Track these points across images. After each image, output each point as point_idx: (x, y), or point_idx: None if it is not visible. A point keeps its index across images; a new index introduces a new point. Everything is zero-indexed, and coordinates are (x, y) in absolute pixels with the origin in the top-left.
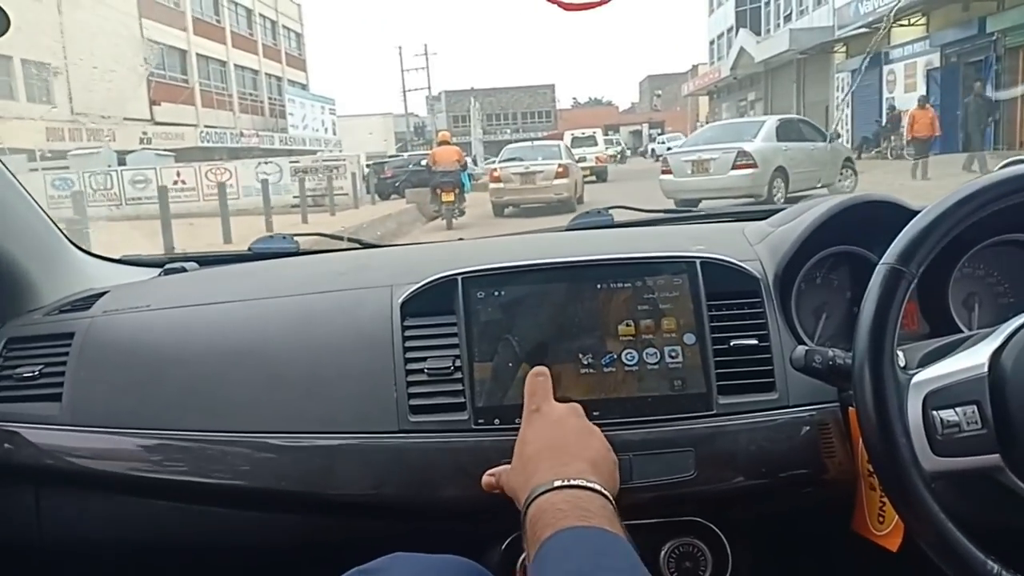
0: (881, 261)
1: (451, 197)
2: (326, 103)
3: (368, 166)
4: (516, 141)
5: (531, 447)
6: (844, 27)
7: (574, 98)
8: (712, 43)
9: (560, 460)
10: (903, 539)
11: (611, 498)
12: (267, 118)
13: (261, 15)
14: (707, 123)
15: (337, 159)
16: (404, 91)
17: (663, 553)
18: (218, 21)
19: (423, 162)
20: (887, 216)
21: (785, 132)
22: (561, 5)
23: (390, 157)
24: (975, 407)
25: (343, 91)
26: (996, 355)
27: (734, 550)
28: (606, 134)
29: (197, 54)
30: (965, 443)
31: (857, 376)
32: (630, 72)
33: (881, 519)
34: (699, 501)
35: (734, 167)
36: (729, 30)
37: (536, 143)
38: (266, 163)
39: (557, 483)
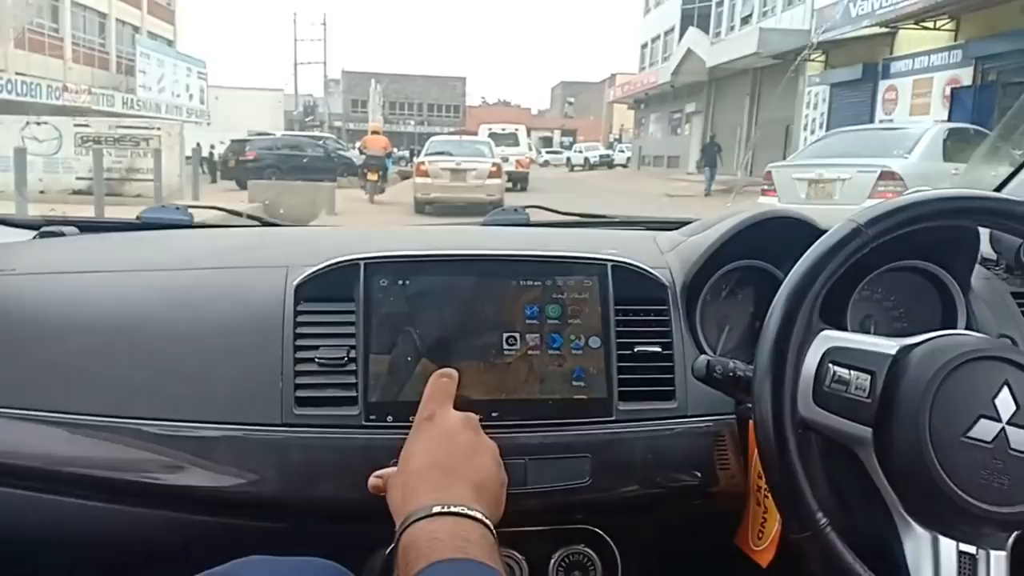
0: (848, 218)
1: (375, 177)
2: (194, 64)
3: (230, 143)
4: (421, 134)
5: (415, 462)
6: (827, 31)
7: (483, 97)
8: (645, 47)
9: (442, 482)
10: (774, 557)
11: (492, 527)
12: (113, 74)
13: None
14: (636, 134)
15: (145, 127)
16: (295, 63)
17: (553, 561)
18: None
19: (327, 144)
20: (795, 233)
21: (956, 147)
22: None
23: (257, 135)
24: (870, 377)
25: (227, 58)
26: (907, 348)
27: (624, 560)
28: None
29: None
30: (846, 404)
31: (773, 308)
32: (541, 77)
33: (760, 535)
34: (592, 508)
35: (874, 193)
36: (668, 32)
37: (464, 139)
38: (37, 124)
39: (436, 509)
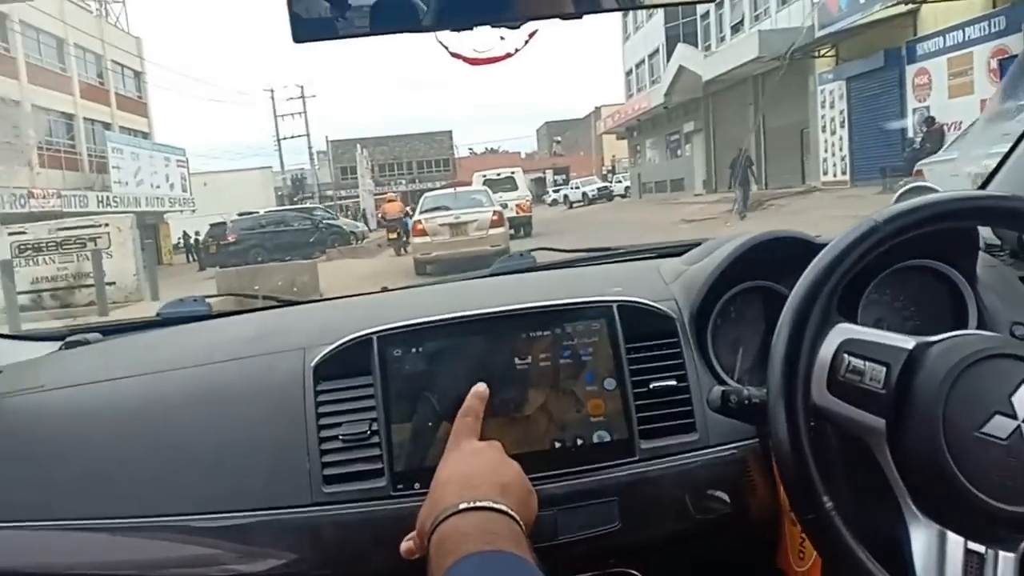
0: (868, 217)
1: (395, 236)
2: (171, 153)
3: (209, 228)
4: (414, 192)
5: (442, 476)
6: (828, 25)
7: (470, 148)
8: (629, 73)
9: (468, 484)
10: (821, 574)
11: (519, 520)
12: (87, 174)
13: (78, 46)
14: (632, 162)
15: (91, 224)
16: (278, 139)
17: None
18: (6, 50)
19: (315, 215)
20: (794, 252)
21: None
22: (467, 60)
23: (240, 216)
24: (885, 368)
25: (212, 144)
26: (925, 345)
27: None
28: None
29: None
30: (860, 394)
31: (790, 302)
32: (524, 121)
33: (802, 555)
34: (625, 551)
35: None
36: (653, 54)
37: (459, 190)
38: None
39: (463, 506)
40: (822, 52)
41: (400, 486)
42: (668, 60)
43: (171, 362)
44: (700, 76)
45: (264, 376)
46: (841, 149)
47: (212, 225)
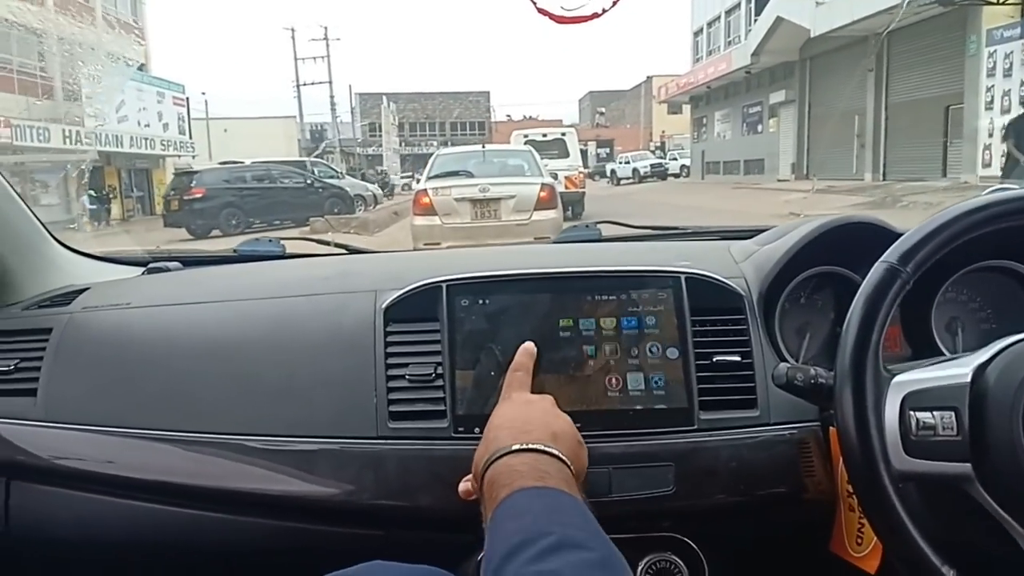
0: (880, 260)
1: None
2: (167, 88)
3: (173, 177)
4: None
5: (495, 422)
6: None
7: (508, 114)
8: (698, 33)
9: (523, 428)
10: (881, 562)
11: (570, 466)
12: (58, 102)
13: None
14: (695, 137)
15: None
16: (298, 84)
17: (640, 568)
18: None
19: (315, 171)
20: (871, 238)
21: None
22: (553, 17)
23: (221, 164)
24: (953, 413)
25: (240, 90)
26: (981, 368)
27: (711, 567)
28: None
29: None
30: (938, 447)
31: (839, 366)
32: (565, 90)
33: (860, 540)
34: (678, 516)
35: None
36: (731, 10)
37: (490, 148)
38: None
39: (516, 447)
40: None
41: (461, 428)
42: (756, 15)
43: (249, 292)
44: (806, 31)
45: (336, 313)
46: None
47: (176, 174)
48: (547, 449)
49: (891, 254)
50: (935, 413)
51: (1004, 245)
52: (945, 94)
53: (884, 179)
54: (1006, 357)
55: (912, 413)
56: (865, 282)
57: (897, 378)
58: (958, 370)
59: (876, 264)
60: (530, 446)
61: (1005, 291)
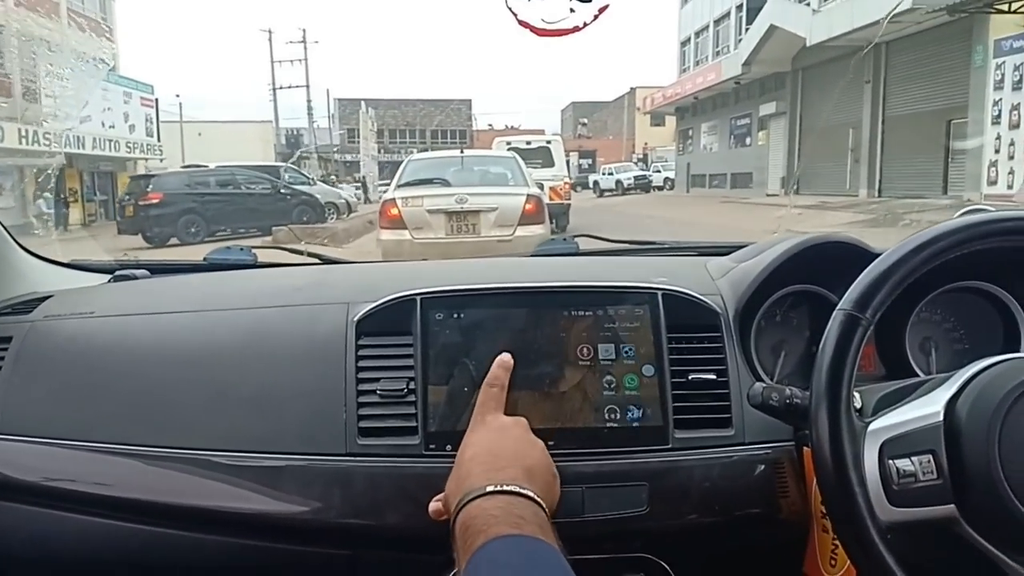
0: (838, 307)
1: None
2: (134, 89)
3: (129, 181)
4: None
5: (468, 452)
6: None
7: (490, 124)
8: (685, 43)
9: (495, 465)
10: None
11: (544, 507)
12: (19, 101)
13: None
14: (681, 149)
15: None
16: (274, 87)
17: None
18: None
19: (284, 177)
20: (847, 257)
21: None
22: (534, 30)
23: (185, 167)
24: (931, 456)
25: (217, 93)
26: (951, 403)
27: None
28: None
29: None
30: (921, 493)
31: (813, 421)
32: (548, 101)
33: (833, 563)
34: (651, 537)
35: None
36: (720, 19)
37: (470, 154)
38: None
39: (490, 488)
40: (1014, 6)
41: (432, 446)
42: (747, 24)
43: (218, 303)
44: (801, 39)
45: (308, 325)
46: (1010, 147)
47: (133, 178)
48: (522, 491)
49: (847, 301)
50: (913, 459)
51: (976, 265)
52: (947, 107)
53: (879, 195)
54: (974, 389)
55: (891, 462)
56: (827, 332)
57: (872, 426)
58: (930, 408)
59: (835, 312)
60: (504, 487)
61: (977, 311)
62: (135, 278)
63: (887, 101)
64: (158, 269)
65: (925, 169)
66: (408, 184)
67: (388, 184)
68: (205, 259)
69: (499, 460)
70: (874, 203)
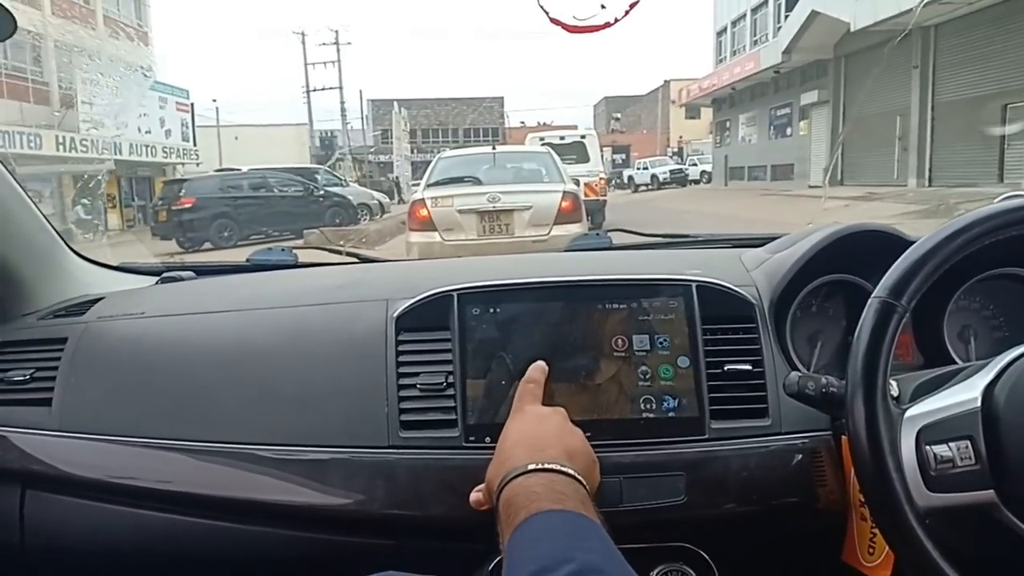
0: (873, 294)
1: None
2: (170, 94)
3: (163, 186)
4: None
5: (509, 439)
6: None
7: (522, 121)
8: (722, 33)
9: (536, 446)
10: (892, 571)
11: (586, 485)
12: (54, 108)
13: None
14: (717, 141)
15: None
16: (308, 89)
17: None
18: None
19: (317, 179)
20: (883, 246)
21: None
22: (566, 27)
23: (218, 171)
24: (968, 442)
25: (251, 97)
26: (989, 389)
27: None
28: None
29: None
30: (959, 479)
31: (849, 408)
32: (580, 96)
33: (871, 550)
34: (688, 527)
35: None
36: (758, 7)
37: (502, 150)
38: None
39: (531, 466)
40: None
41: (472, 438)
42: (787, 11)
43: (261, 302)
44: (844, 24)
45: (348, 322)
46: None
47: (166, 183)
48: (563, 469)
49: (882, 288)
50: (951, 444)
51: (1016, 252)
52: (1002, 91)
53: (929, 184)
54: (1012, 374)
55: (928, 448)
56: (862, 320)
57: (908, 413)
58: (967, 395)
59: (870, 299)
60: (546, 466)
61: (1018, 298)
62: (181, 279)
63: (936, 87)
64: (203, 271)
65: (979, 156)
66: (438, 183)
67: (419, 183)
68: (248, 260)
69: (540, 442)
70: (927, 192)
